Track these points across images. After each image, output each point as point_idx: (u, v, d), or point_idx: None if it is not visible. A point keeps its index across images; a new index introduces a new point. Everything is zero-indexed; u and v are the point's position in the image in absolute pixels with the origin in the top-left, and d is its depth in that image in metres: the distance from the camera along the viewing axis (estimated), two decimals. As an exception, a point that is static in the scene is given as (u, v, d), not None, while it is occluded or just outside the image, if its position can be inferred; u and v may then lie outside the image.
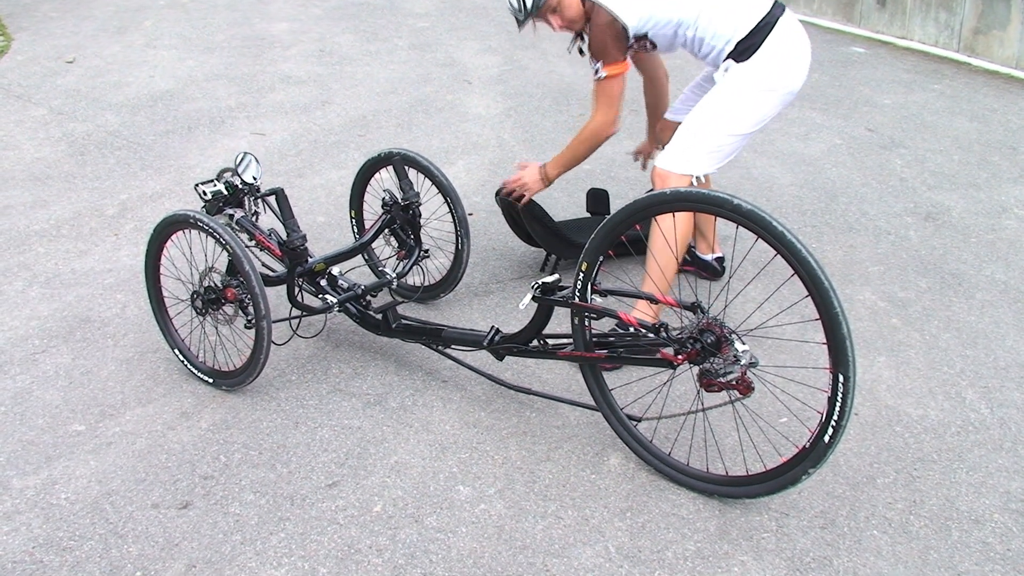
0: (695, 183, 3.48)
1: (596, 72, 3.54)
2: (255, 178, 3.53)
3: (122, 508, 2.87)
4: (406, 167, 3.76)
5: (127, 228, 4.67)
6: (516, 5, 3.60)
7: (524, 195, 3.85)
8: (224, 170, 3.58)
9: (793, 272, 2.54)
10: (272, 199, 3.49)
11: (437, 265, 4.01)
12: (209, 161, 5.46)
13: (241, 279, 3.23)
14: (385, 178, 3.91)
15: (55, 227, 4.67)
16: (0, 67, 7.13)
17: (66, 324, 3.84)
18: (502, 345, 3.24)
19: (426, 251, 3.80)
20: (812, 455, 2.63)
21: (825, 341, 2.51)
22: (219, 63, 7.33)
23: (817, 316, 2.51)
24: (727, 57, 3.46)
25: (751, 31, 3.42)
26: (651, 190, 3.08)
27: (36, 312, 3.92)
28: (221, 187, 3.52)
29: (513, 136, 5.85)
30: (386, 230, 3.78)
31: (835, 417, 2.54)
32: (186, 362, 3.49)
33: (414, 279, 3.95)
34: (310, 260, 3.50)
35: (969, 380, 3.49)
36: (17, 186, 5.12)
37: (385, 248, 3.94)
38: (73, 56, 7.40)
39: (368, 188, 4.05)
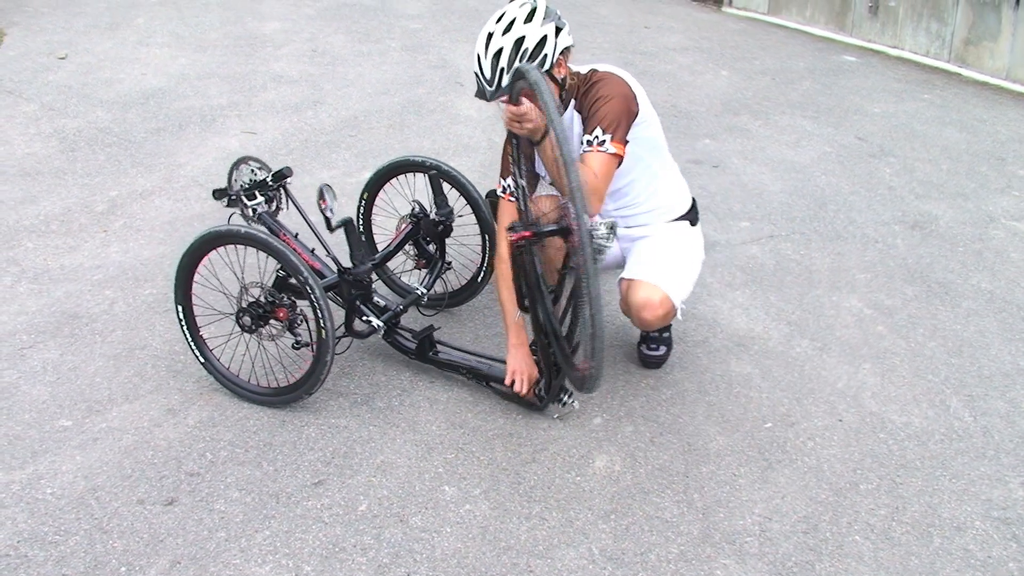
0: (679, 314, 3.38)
1: (600, 142, 3.03)
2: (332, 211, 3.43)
3: (107, 504, 2.87)
4: (442, 182, 3.66)
5: (116, 225, 4.66)
6: (488, 76, 3.01)
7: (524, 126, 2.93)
8: (253, 185, 3.57)
9: None
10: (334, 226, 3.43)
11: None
12: (199, 160, 5.45)
13: (290, 298, 3.22)
14: (419, 187, 3.84)
15: (44, 223, 4.66)
16: (-8, 62, 7.13)
17: (54, 320, 3.84)
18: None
19: (448, 263, 3.74)
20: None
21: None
22: (211, 61, 7.32)
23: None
24: (681, 217, 3.43)
25: (694, 200, 3.52)
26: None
27: (24, 307, 3.92)
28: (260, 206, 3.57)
29: (503, 138, 5.82)
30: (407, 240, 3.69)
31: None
32: (230, 383, 3.39)
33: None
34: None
35: (953, 388, 3.51)
36: (7, 181, 5.11)
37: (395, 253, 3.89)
38: (65, 52, 7.38)
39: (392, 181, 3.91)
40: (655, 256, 3.33)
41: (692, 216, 3.47)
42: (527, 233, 2.79)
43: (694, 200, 3.52)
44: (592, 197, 2.95)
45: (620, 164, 3.11)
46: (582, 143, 3.10)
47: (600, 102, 3.07)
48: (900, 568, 2.69)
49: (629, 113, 3.08)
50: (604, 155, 3.03)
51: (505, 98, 2.96)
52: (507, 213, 3.33)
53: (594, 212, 3.00)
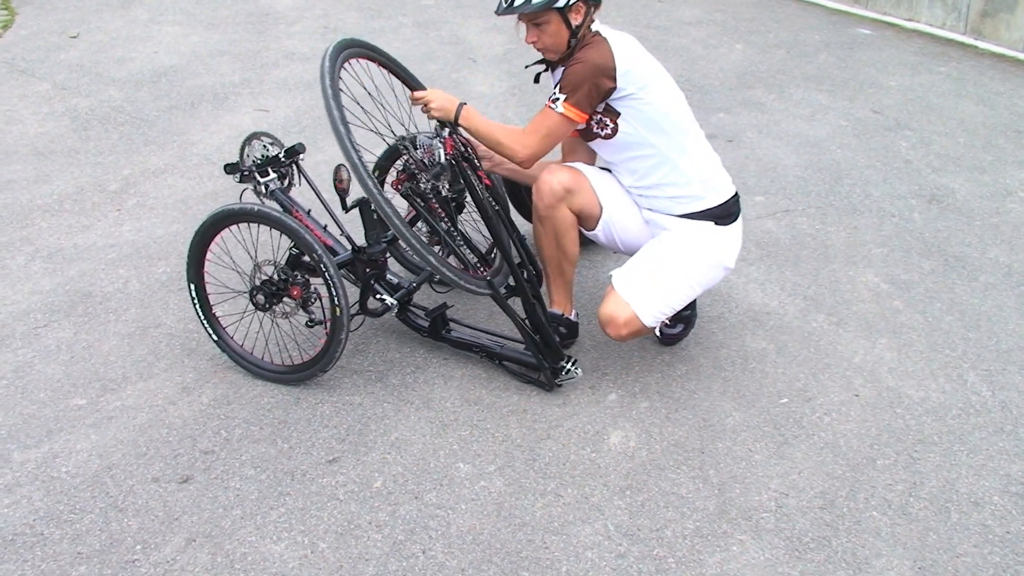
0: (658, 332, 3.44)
1: (554, 100, 3.12)
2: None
3: (122, 482, 2.88)
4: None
5: (130, 203, 4.66)
6: None
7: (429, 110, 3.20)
8: (262, 163, 3.53)
9: None
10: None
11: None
12: (212, 137, 5.44)
13: (303, 276, 3.23)
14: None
15: (58, 202, 4.66)
16: (4, 41, 7.11)
17: (68, 299, 3.84)
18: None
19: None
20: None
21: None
22: (223, 39, 7.30)
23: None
24: (701, 214, 3.21)
25: (733, 197, 3.29)
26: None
27: (38, 286, 3.92)
28: (274, 184, 3.50)
29: (517, 114, 5.83)
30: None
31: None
32: (244, 361, 3.40)
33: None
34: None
35: (971, 363, 3.49)
36: (20, 161, 5.11)
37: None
38: (77, 31, 7.37)
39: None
40: (647, 264, 3.20)
41: (721, 212, 3.23)
42: (402, 176, 3.22)
43: (736, 196, 3.29)
44: (515, 146, 3.16)
45: (575, 125, 3.19)
46: None
47: (572, 63, 3.12)
48: (918, 543, 2.67)
49: (593, 83, 3.06)
50: (550, 112, 3.13)
51: (515, 17, 3.23)
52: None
53: (522, 163, 3.20)
